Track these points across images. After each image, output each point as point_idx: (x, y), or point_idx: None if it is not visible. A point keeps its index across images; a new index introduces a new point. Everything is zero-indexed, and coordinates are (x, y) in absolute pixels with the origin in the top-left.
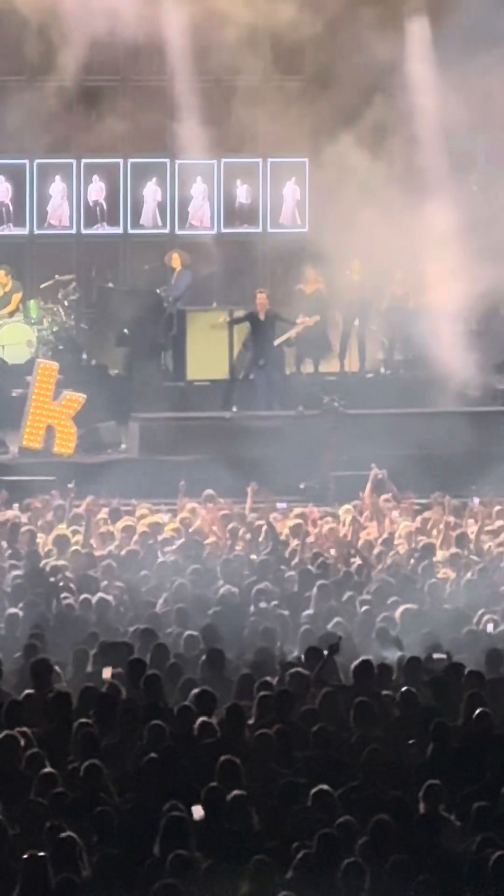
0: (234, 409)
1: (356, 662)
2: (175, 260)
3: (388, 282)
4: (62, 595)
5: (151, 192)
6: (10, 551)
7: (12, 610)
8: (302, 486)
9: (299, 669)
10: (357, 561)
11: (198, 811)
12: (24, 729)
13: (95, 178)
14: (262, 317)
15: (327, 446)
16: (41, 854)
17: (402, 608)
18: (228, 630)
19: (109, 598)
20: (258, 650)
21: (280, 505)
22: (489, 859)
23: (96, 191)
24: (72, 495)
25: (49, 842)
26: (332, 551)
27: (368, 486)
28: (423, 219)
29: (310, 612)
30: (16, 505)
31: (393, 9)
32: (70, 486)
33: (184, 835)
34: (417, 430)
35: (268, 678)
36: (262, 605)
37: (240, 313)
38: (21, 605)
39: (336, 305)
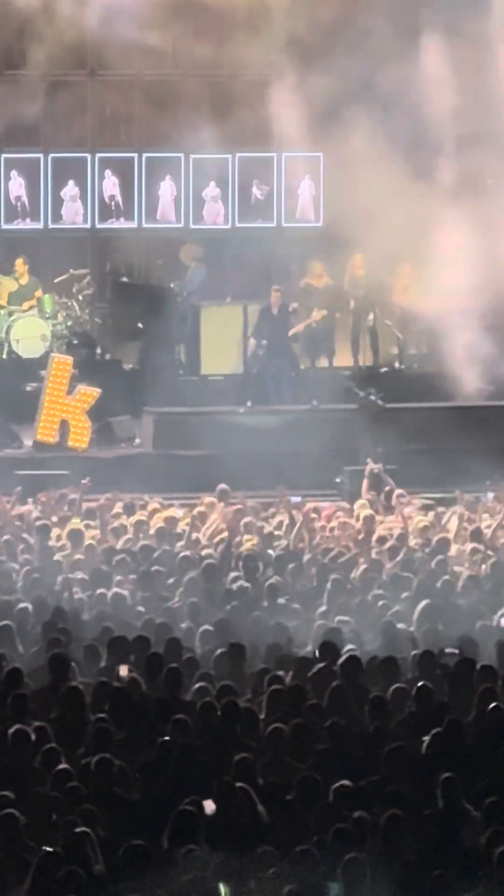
0: (249, 403)
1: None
2: (188, 254)
3: (397, 275)
4: (73, 589)
5: (166, 186)
6: (22, 546)
7: (24, 604)
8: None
9: (315, 664)
10: (371, 555)
11: (209, 806)
12: (39, 723)
13: (109, 172)
14: (275, 311)
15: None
16: (54, 849)
17: (419, 605)
18: (241, 625)
19: (125, 592)
20: (271, 646)
21: (294, 499)
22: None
23: (111, 186)
24: (83, 490)
25: (62, 836)
26: (346, 546)
27: (365, 481)
28: (437, 212)
29: (323, 608)
30: (30, 500)
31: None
32: (84, 481)
33: (193, 829)
34: (433, 424)
35: (280, 673)
36: (280, 600)
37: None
38: (33, 599)
39: (348, 299)
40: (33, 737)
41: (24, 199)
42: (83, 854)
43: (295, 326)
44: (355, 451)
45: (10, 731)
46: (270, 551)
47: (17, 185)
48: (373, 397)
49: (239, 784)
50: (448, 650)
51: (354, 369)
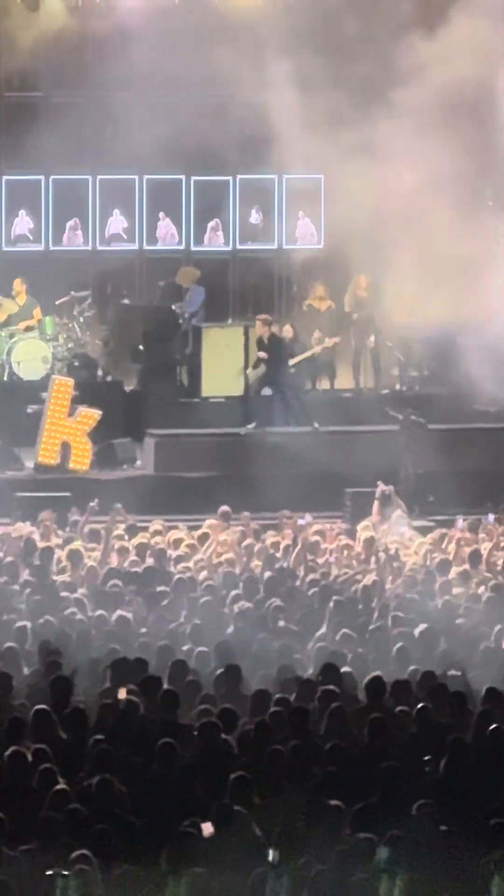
0: (251, 426)
1: (368, 679)
2: (186, 277)
3: (398, 297)
4: (71, 610)
5: (166, 208)
6: (25, 566)
7: (22, 623)
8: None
9: (315, 686)
10: (371, 577)
11: (207, 828)
12: (37, 744)
13: (111, 194)
14: (265, 340)
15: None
16: (53, 871)
17: (418, 627)
18: (242, 647)
19: (127, 614)
20: (280, 668)
21: (301, 521)
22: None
23: (112, 208)
24: (90, 512)
25: (62, 858)
26: (347, 568)
27: (376, 503)
28: (441, 234)
29: (323, 630)
30: (30, 521)
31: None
32: (92, 503)
33: (192, 851)
34: (442, 446)
35: (282, 695)
36: (280, 623)
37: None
38: (33, 619)
39: (348, 322)
40: (31, 758)
41: (27, 220)
42: (82, 876)
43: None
44: (372, 472)
45: (7, 752)
46: (272, 573)
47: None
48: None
49: (237, 807)
50: (450, 673)
51: (355, 391)
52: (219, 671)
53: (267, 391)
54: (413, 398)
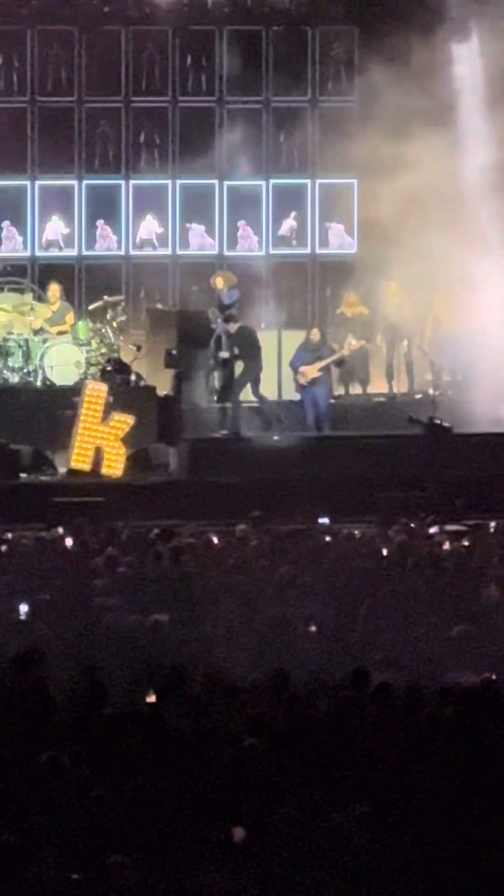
0: (276, 437)
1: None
2: (220, 282)
3: (432, 303)
4: (108, 616)
5: (200, 212)
6: (56, 570)
7: (58, 630)
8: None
9: (347, 692)
10: (405, 580)
11: (238, 833)
12: (70, 751)
13: (144, 199)
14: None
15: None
16: (82, 878)
17: (456, 629)
18: (275, 652)
19: (164, 618)
20: (310, 672)
21: (322, 520)
22: None
23: (145, 212)
24: (129, 520)
25: (91, 866)
26: (379, 571)
27: (402, 506)
28: (473, 240)
29: (356, 632)
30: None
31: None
32: (129, 511)
33: (224, 857)
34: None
35: (315, 701)
36: (312, 628)
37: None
38: (64, 625)
39: (379, 328)
40: (64, 765)
41: (61, 223)
42: (113, 883)
43: (329, 357)
44: (406, 477)
45: (42, 758)
46: (304, 577)
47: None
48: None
49: (270, 811)
50: (484, 676)
51: (388, 396)
52: (258, 675)
53: (301, 395)
54: (445, 403)
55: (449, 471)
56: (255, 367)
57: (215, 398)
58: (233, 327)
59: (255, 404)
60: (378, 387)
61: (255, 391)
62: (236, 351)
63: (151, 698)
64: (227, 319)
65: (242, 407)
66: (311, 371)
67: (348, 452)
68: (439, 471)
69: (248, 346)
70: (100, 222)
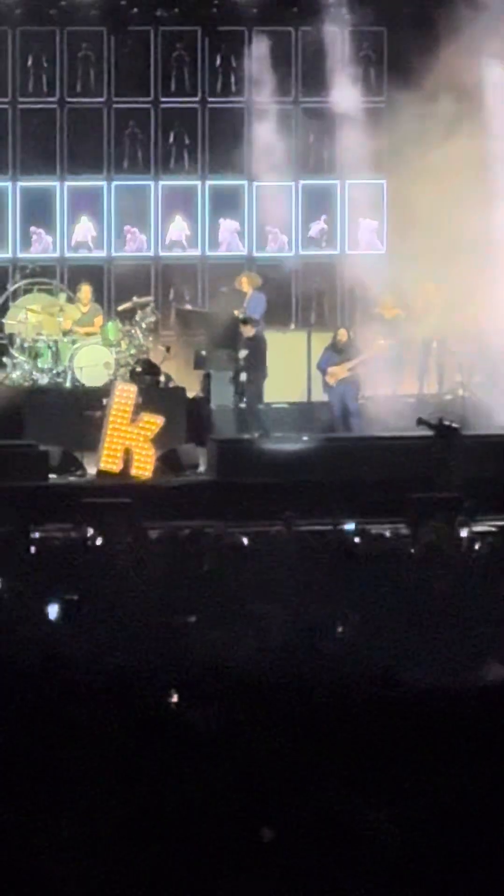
0: (305, 437)
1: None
2: (245, 283)
3: (462, 303)
4: (136, 618)
5: (229, 214)
6: (84, 571)
7: (83, 631)
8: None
9: (376, 692)
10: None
11: (266, 833)
12: (95, 754)
13: (173, 199)
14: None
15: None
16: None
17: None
18: (304, 652)
19: (192, 619)
20: (339, 672)
21: (348, 527)
22: None
23: (173, 213)
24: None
25: (118, 869)
26: (410, 572)
27: (430, 509)
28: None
29: (386, 632)
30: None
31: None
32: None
33: (255, 858)
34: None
35: (343, 701)
36: (340, 628)
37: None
38: (93, 626)
39: (409, 328)
40: (89, 768)
41: (90, 226)
42: (146, 883)
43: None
44: (426, 479)
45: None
46: (333, 578)
47: (84, 221)
48: (446, 423)
49: (298, 812)
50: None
51: (418, 397)
52: (286, 676)
53: (330, 396)
54: (474, 404)
55: (452, 472)
56: (259, 376)
57: (244, 399)
58: (248, 331)
59: (261, 406)
60: (408, 387)
61: (252, 397)
62: (244, 353)
63: (174, 699)
64: (244, 322)
65: (272, 408)
66: (340, 372)
67: (377, 453)
68: (449, 472)
69: (255, 353)
70: (127, 224)
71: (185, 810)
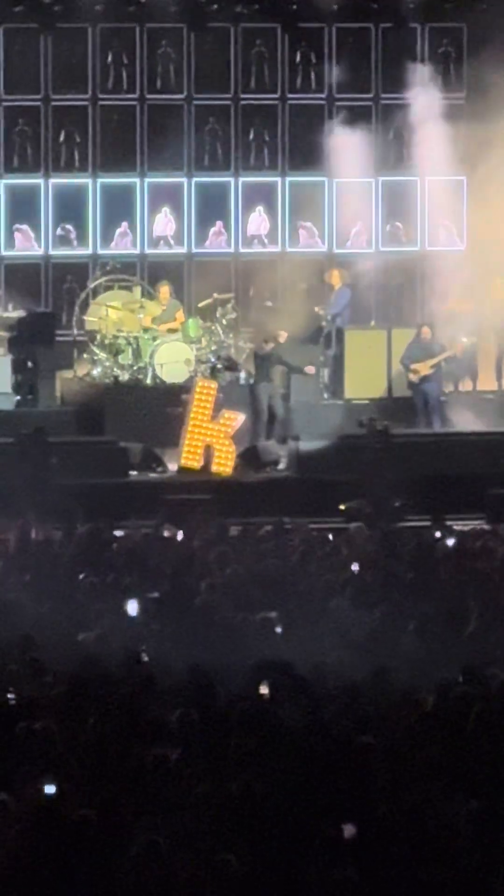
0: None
1: None
2: (335, 277)
3: None
4: (217, 614)
5: (308, 209)
6: (164, 568)
7: (164, 628)
8: None
9: (457, 689)
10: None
11: (349, 830)
12: (177, 748)
13: (253, 196)
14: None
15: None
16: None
17: None
18: (385, 649)
19: (273, 615)
20: (419, 669)
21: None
22: None
23: (254, 209)
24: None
25: (204, 864)
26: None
27: None
28: None
29: (467, 630)
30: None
31: None
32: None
33: (335, 854)
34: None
35: (425, 697)
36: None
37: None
38: (173, 623)
39: (487, 325)
40: (171, 762)
41: (171, 221)
42: (224, 881)
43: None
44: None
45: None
46: (414, 575)
47: (164, 216)
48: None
49: (380, 808)
50: None
51: (497, 393)
52: (366, 672)
53: (413, 393)
54: None
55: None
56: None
57: (326, 395)
58: (282, 336)
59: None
60: (486, 383)
61: (275, 400)
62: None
63: (265, 690)
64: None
65: (364, 403)
66: (424, 368)
67: (458, 448)
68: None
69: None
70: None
71: (274, 805)
